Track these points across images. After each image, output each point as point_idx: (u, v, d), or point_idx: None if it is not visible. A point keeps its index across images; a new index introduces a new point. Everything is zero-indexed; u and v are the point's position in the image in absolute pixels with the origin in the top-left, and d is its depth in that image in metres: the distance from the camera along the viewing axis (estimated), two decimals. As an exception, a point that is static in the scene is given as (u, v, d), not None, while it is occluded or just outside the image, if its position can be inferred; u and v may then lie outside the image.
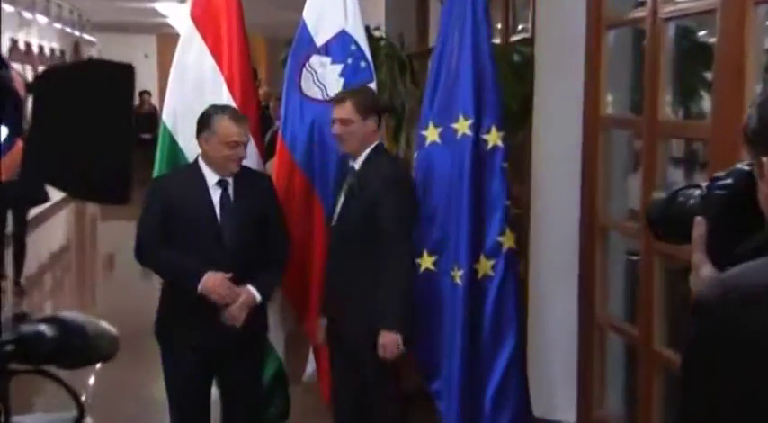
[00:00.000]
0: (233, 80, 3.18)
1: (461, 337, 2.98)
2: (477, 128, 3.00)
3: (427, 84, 3.14)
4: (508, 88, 3.38)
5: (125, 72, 0.96)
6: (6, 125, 0.95)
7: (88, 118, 0.95)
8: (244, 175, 2.89)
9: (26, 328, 0.98)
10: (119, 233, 8.79)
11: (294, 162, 3.20)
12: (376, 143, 2.89)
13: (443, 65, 3.06)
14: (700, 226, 1.10)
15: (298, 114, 3.20)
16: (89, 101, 0.95)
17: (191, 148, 3.06)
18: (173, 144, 3.22)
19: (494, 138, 3.02)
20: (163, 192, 2.81)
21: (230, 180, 2.85)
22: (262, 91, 8.31)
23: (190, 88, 3.21)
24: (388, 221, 2.76)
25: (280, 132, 3.26)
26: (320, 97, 3.21)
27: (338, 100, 2.89)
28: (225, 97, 3.14)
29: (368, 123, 2.84)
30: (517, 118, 3.45)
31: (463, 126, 3.00)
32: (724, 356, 0.86)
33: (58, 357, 0.99)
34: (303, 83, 3.21)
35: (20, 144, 0.97)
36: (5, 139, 0.94)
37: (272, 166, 3.32)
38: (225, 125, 2.80)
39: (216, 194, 2.82)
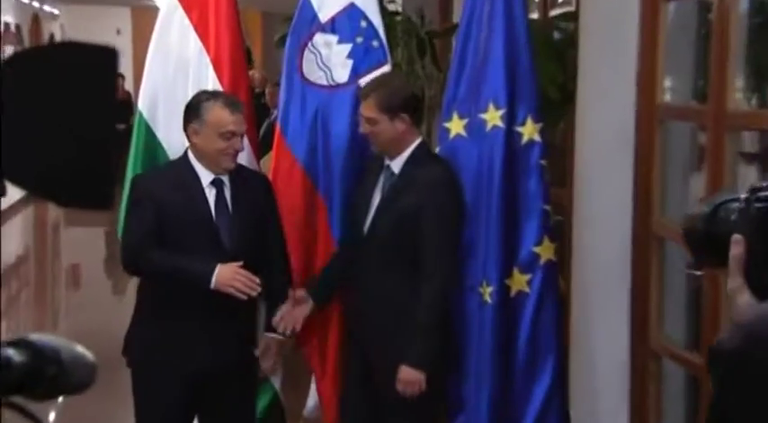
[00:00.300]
0: (221, 62, 3.18)
1: (491, 365, 2.98)
2: (509, 119, 3.00)
3: (451, 67, 3.14)
4: (546, 72, 3.39)
5: (106, 56, 0.96)
6: None
7: (63, 109, 0.95)
8: (240, 173, 2.90)
9: None
10: (85, 241, 8.85)
11: (294, 159, 3.20)
12: (418, 141, 2.90)
13: (470, 44, 3.06)
14: (737, 245, 1.08)
15: (299, 103, 3.20)
16: (64, 89, 0.95)
17: (172, 141, 3.06)
18: (150, 136, 3.22)
19: (529, 130, 3.01)
20: (150, 192, 2.80)
21: (226, 179, 2.86)
22: (256, 75, 8.33)
23: (171, 71, 3.22)
24: (429, 236, 2.76)
25: (278, 124, 3.26)
26: (325, 82, 3.20)
27: (362, 95, 2.91)
28: (211, 82, 3.14)
29: (396, 124, 2.85)
30: (557, 107, 3.45)
31: (493, 117, 3.00)
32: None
33: (27, 387, 0.98)
34: (305, 66, 3.20)
35: None
36: None
37: (269, 164, 3.32)
38: (217, 113, 2.80)
39: (211, 196, 2.82)
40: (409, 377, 2.75)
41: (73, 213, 9.84)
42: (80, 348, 1.04)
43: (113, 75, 0.98)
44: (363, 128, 2.89)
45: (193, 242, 2.77)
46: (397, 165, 2.88)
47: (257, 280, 2.74)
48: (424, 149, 2.93)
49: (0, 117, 0.91)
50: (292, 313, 2.92)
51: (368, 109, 2.86)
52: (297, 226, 3.15)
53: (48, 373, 0.99)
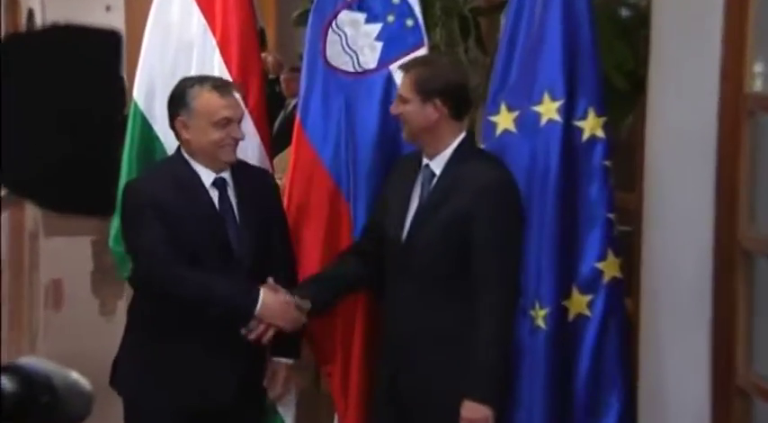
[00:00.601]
0: (229, 44, 3.22)
1: (545, 402, 2.97)
2: (568, 111, 2.99)
3: (498, 50, 3.14)
4: (612, 56, 3.36)
5: (110, 41, 0.97)
6: None
7: (61, 100, 0.96)
8: (242, 170, 2.94)
9: None
10: (68, 253, 8.94)
11: (316, 156, 3.21)
12: (462, 136, 2.90)
13: (521, 23, 3.06)
14: None
15: (321, 92, 3.21)
16: (62, 79, 0.96)
17: (171, 134, 3.08)
18: (146, 129, 3.26)
19: (592, 125, 3.00)
20: (154, 197, 2.82)
21: (228, 178, 2.89)
22: (269, 59, 8.39)
23: (171, 55, 3.25)
24: (484, 248, 2.76)
25: (298, 116, 3.27)
26: (351, 69, 3.22)
27: (404, 68, 2.94)
28: (217, 68, 3.17)
29: (427, 109, 2.84)
30: (624, 97, 3.43)
31: (549, 109, 2.99)
32: None
33: (18, 418, 1.00)
34: (329, 49, 3.22)
35: None
36: None
37: (285, 161, 3.34)
38: (206, 99, 2.83)
39: (215, 198, 2.87)
40: (476, 415, 2.75)
41: (54, 220, 9.95)
42: (75, 375, 1.06)
43: (118, 62, 1.00)
44: (394, 106, 2.92)
45: (201, 249, 2.81)
46: (438, 164, 2.87)
47: (306, 310, 2.82)
48: (470, 146, 2.93)
49: None
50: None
51: (404, 85, 2.89)
52: (317, 232, 3.17)
53: (40, 402, 1.01)
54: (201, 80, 2.90)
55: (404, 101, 2.87)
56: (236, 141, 2.85)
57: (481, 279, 2.76)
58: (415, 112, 2.85)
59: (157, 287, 2.82)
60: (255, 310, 2.76)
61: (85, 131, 0.97)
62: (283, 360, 3.01)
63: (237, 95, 2.89)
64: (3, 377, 1.00)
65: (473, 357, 2.74)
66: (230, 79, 3.10)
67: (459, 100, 2.92)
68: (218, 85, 2.87)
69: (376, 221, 3.04)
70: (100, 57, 0.99)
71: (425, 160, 2.90)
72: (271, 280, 2.83)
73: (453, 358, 2.77)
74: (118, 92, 1.02)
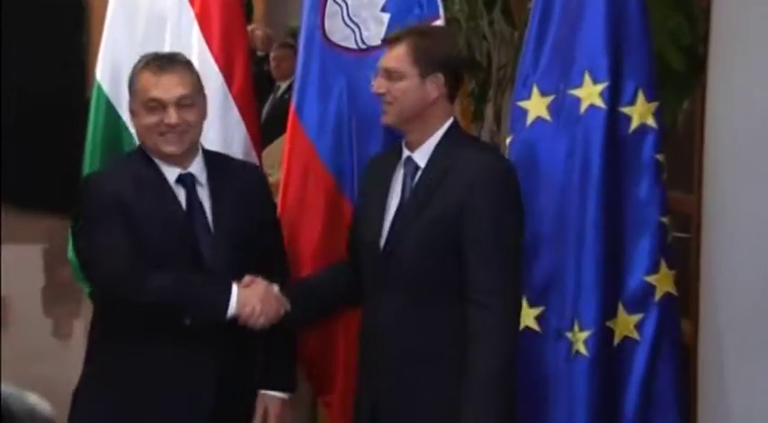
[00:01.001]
0: (209, 17, 3.27)
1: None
2: (613, 96, 3.03)
3: (530, 24, 3.17)
4: (666, 30, 3.39)
5: (72, 12, 1.01)
6: None
7: (16, 78, 0.99)
8: (223, 165, 2.99)
9: None
10: (15, 265, 8.90)
11: (313, 148, 3.27)
12: (450, 121, 2.91)
13: (558, -8, 3.09)
14: None
15: (319, 72, 3.27)
16: (18, 53, 0.99)
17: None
18: (112, 116, 3.31)
19: (641, 112, 3.04)
20: (118, 196, 2.88)
21: (199, 174, 2.94)
22: (258, 33, 8.35)
23: (141, 31, 3.30)
24: (479, 252, 2.76)
25: (292, 102, 3.32)
26: (353, 45, 3.27)
27: (391, 38, 2.93)
28: (196, 45, 3.22)
29: (427, 86, 2.86)
30: (681, 79, 3.46)
31: (590, 93, 3.03)
32: None
33: None
34: (328, 23, 3.27)
35: None
36: None
37: (276, 154, 3.37)
38: (141, 78, 2.89)
39: (181, 197, 2.92)
40: None
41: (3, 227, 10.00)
42: (33, 399, 1.09)
43: (81, 35, 1.03)
44: (378, 85, 2.89)
45: (166, 255, 2.86)
46: (422, 155, 2.88)
47: (285, 309, 2.87)
48: (457, 132, 2.94)
49: None
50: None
51: (394, 57, 2.87)
52: (314, 236, 3.23)
53: None
54: (148, 58, 2.95)
55: (397, 76, 2.85)
56: (178, 130, 2.86)
57: (475, 283, 2.75)
58: (411, 89, 2.86)
59: (120, 292, 2.87)
60: (229, 303, 2.82)
61: (41, 113, 1.00)
62: (276, 394, 3.06)
63: (184, 73, 2.90)
64: None
65: (467, 379, 2.72)
66: (210, 57, 3.14)
67: (459, 76, 2.96)
68: (158, 61, 2.91)
69: (353, 234, 3.07)
70: (62, 27, 1.02)
71: (406, 152, 2.91)
72: (247, 278, 2.89)
73: (443, 382, 2.78)
74: (82, 66, 1.06)
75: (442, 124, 2.90)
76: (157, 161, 2.92)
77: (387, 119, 2.91)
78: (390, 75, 2.87)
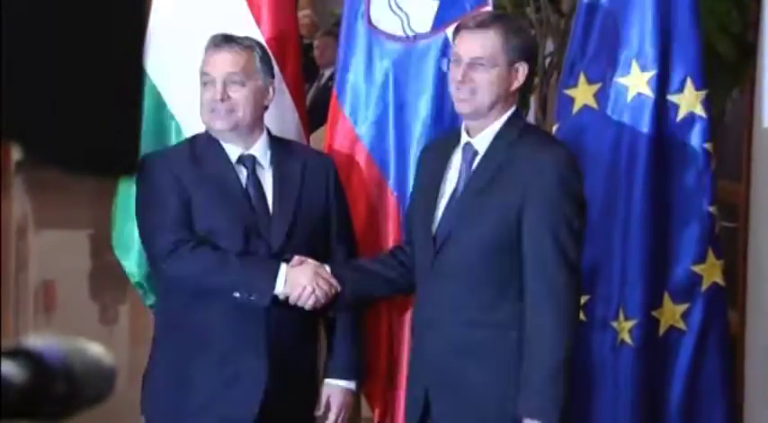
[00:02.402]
0: (260, 3, 3.26)
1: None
2: (661, 84, 3.03)
3: (577, 10, 3.17)
4: (715, 17, 3.39)
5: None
6: None
7: (72, 39, 0.97)
8: (284, 149, 3.04)
9: None
10: (62, 250, 8.99)
11: (356, 137, 3.28)
12: (512, 109, 2.89)
13: (605, -21, 3.08)
14: None
15: (364, 60, 3.27)
16: (74, 14, 0.97)
17: (190, 113, 3.15)
18: (159, 107, 3.31)
19: (690, 101, 3.04)
20: (171, 172, 2.95)
21: (262, 157, 2.99)
22: (306, 20, 8.28)
23: (190, 17, 3.30)
24: (539, 244, 2.74)
25: (335, 89, 3.33)
26: (400, 32, 3.26)
27: (476, 24, 2.86)
28: (247, 29, 3.22)
29: (513, 75, 2.84)
30: (730, 67, 3.47)
31: (638, 81, 3.03)
32: None
33: (27, 410, 1.03)
34: (373, 8, 3.27)
35: None
36: None
37: (319, 142, 3.39)
38: (205, 55, 2.98)
39: (242, 177, 2.98)
40: None
41: (46, 211, 10.09)
42: (94, 350, 1.09)
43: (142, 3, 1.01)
44: (463, 75, 2.83)
45: (223, 237, 2.91)
46: (482, 141, 2.85)
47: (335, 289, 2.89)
48: (520, 120, 2.94)
49: None
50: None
51: (484, 44, 2.81)
52: (358, 227, 3.21)
53: (55, 393, 1.04)
54: (212, 37, 3.02)
55: (489, 64, 2.80)
56: (226, 106, 2.91)
57: (534, 274, 2.73)
58: (499, 78, 2.82)
59: (165, 268, 2.95)
60: (275, 282, 2.86)
61: (103, 73, 0.97)
62: (339, 382, 3.07)
63: (239, 53, 2.95)
64: (12, 365, 1.03)
65: (528, 368, 2.71)
66: (262, 42, 3.16)
67: (532, 64, 2.96)
68: (219, 39, 2.98)
69: (408, 220, 3.08)
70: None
71: (466, 137, 2.88)
72: (296, 258, 2.92)
73: (500, 374, 2.77)
74: (140, 26, 1.03)
75: (507, 111, 2.87)
76: (222, 142, 2.98)
77: (466, 107, 2.85)
78: (479, 63, 2.82)
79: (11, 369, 1.03)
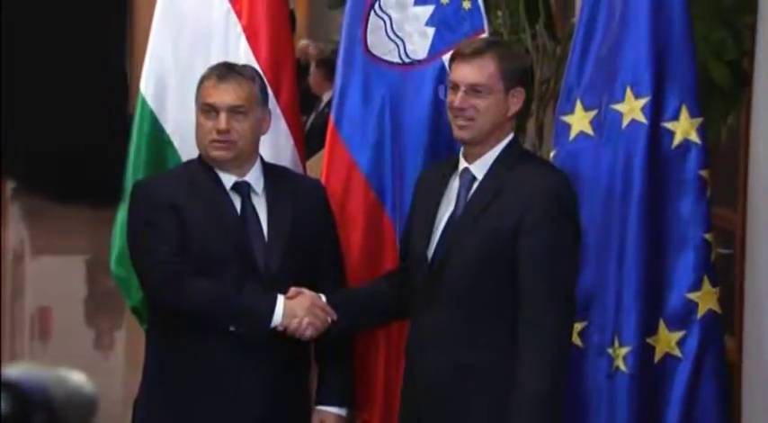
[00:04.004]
0: (257, 30, 3.27)
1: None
2: (655, 111, 3.02)
3: (574, 38, 3.17)
4: (710, 45, 3.39)
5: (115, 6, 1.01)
6: None
7: (64, 71, 1.00)
8: (282, 177, 3.05)
9: None
10: (58, 276, 8.99)
11: (353, 163, 3.28)
12: (511, 136, 2.92)
13: (601, 5, 3.09)
14: None
15: (360, 87, 3.28)
16: (62, 43, 1.00)
17: (186, 136, 3.16)
18: (156, 131, 3.32)
19: (685, 128, 3.03)
20: (168, 199, 2.94)
21: (256, 184, 3.00)
22: (310, 49, 8.30)
23: (186, 44, 3.32)
24: (535, 268, 2.75)
25: (332, 115, 3.33)
26: (396, 59, 3.28)
27: (473, 52, 2.87)
28: (243, 57, 3.25)
29: (510, 102, 2.87)
30: (725, 94, 3.47)
31: (633, 108, 3.02)
32: None
33: None
34: (370, 36, 3.28)
35: None
36: None
37: (317, 168, 3.39)
38: (204, 85, 2.98)
39: (236, 203, 2.98)
40: None
41: (42, 237, 10.07)
42: (76, 379, 1.10)
43: (124, 25, 1.03)
44: (461, 101, 2.84)
45: (220, 260, 2.92)
46: (480, 167, 2.87)
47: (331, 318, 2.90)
48: (517, 146, 2.95)
49: None
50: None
51: (481, 71, 2.84)
52: (355, 254, 3.22)
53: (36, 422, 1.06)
54: (215, 66, 3.03)
55: (485, 91, 2.83)
56: (227, 138, 2.92)
57: (527, 300, 2.74)
58: (497, 105, 2.84)
59: (160, 298, 2.94)
60: (273, 315, 2.86)
61: (88, 104, 1.01)
62: (331, 410, 3.06)
63: (242, 84, 2.95)
64: None
65: (517, 394, 2.71)
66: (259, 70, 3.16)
67: (528, 89, 2.97)
68: (221, 69, 2.99)
69: (403, 245, 3.08)
70: (105, 17, 1.01)
71: (464, 163, 2.90)
72: (293, 290, 2.93)
73: (491, 400, 2.76)
74: (123, 55, 1.05)
75: (505, 138, 2.89)
76: (216, 169, 2.98)
77: (465, 134, 2.86)
78: (476, 90, 2.84)
79: None
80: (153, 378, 3.03)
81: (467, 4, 3.27)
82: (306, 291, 2.93)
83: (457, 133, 2.88)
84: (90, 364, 6.56)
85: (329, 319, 2.94)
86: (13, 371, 1.05)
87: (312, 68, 7.72)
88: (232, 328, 2.89)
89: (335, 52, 3.58)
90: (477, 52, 2.86)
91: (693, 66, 3.06)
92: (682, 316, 3.03)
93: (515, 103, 2.86)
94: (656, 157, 3.02)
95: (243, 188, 2.98)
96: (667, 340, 3.03)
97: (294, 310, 2.88)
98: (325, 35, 8.59)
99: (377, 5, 3.28)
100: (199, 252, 2.92)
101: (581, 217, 2.97)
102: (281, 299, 2.89)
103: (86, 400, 1.09)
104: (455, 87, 2.85)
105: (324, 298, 2.95)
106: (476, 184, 2.86)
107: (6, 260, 10.24)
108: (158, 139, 3.30)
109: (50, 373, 1.07)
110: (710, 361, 3.04)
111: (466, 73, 2.85)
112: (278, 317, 2.88)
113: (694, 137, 3.03)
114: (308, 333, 2.91)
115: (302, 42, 8.18)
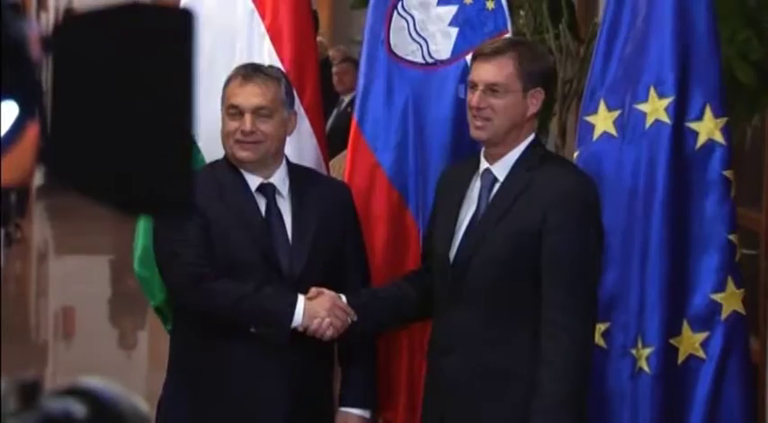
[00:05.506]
0: (280, 30, 3.28)
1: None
2: (679, 111, 3.02)
3: (597, 38, 3.18)
4: (735, 44, 3.37)
5: (182, 21, 1.02)
6: (14, 103, 1.02)
7: (129, 88, 1.01)
8: (307, 180, 3.06)
9: (51, 404, 1.07)
10: (82, 276, 9.04)
11: (376, 162, 3.28)
12: (532, 136, 2.92)
13: (625, 6, 3.10)
14: None
15: (383, 87, 3.28)
16: (132, 65, 1.00)
17: (212, 139, 3.16)
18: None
19: (709, 128, 3.03)
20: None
21: (281, 186, 3.01)
22: (332, 52, 8.36)
23: (209, 45, 3.32)
24: (557, 273, 2.76)
25: (354, 115, 3.35)
26: (419, 59, 3.28)
27: (492, 51, 2.89)
28: (267, 57, 3.25)
29: (529, 102, 2.87)
30: (750, 94, 3.44)
31: (657, 108, 3.02)
32: None
33: None
34: (393, 36, 3.29)
35: (33, 131, 1.05)
36: (12, 125, 1.02)
37: (339, 168, 3.39)
38: (230, 86, 3.00)
39: (261, 206, 3.00)
40: None
41: (66, 237, 10.13)
42: (132, 397, 1.13)
43: (192, 45, 1.04)
44: (479, 101, 2.85)
45: (242, 260, 2.94)
46: (502, 168, 2.87)
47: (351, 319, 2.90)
48: (540, 147, 2.96)
49: (55, 105, 0.98)
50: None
51: (499, 71, 2.84)
52: (378, 254, 3.22)
53: None
54: (241, 67, 3.05)
55: (503, 90, 2.83)
56: (253, 138, 2.93)
57: (550, 302, 2.74)
58: (514, 105, 2.85)
59: (182, 299, 2.99)
60: (293, 315, 2.87)
61: (157, 122, 1.02)
62: (354, 411, 3.07)
63: (268, 85, 2.97)
64: (74, 402, 1.07)
65: (539, 396, 2.71)
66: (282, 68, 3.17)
67: (550, 92, 3.00)
68: (246, 70, 3.00)
69: (425, 246, 3.08)
70: (173, 38, 1.04)
71: (485, 164, 2.90)
72: (313, 290, 2.93)
73: (514, 401, 2.77)
74: (192, 75, 1.08)
75: (526, 138, 2.89)
76: (241, 170, 3.00)
77: (482, 134, 2.88)
78: (494, 89, 2.84)
79: (75, 406, 1.08)
80: (177, 378, 3.06)
81: (490, 5, 3.27)
82: (326, 291, 2.94)
83: (474, 133, 2.90)
84: (113, 363, 6.61)
85: (349, 320, 2.94)
86: (85, 381, 1.08)
87: (335, 66, 7.74)
88: (253, 330, 2.91)
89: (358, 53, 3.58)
90: (497, 52, 2.87)
91: (718, 66, 3.06)
92: (706, 317, 3.03)
93: (534, 103, 2.86)
94: (679, 157, 3.03)
95: (268, 190, 2.99)
96: (691, 341, 3.02)
97: (315, 310, 2.89)
98: (349, 34, 8.61)
99: (400, 5, 3.28)
100: (223, 255, 2.94)
101: (604, 217, 2.98)
102: (301, 299, 2.90)
103: (144, 418, 1.12)
104: (474, 86, 2.87)
105: (344, 298, 2.96)
106: (498, 185, 2.87)
107: (32, 259, 10.32)
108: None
109: (115, 388, 1.10)
110: (735, 362, 3.03)
111: (484, 72, 2.86)
112: (298, 317, 2.88)
113: (719, 137, 3.03)
114: (329, 333, 2.91)
115: (331, 50, 8.26)
